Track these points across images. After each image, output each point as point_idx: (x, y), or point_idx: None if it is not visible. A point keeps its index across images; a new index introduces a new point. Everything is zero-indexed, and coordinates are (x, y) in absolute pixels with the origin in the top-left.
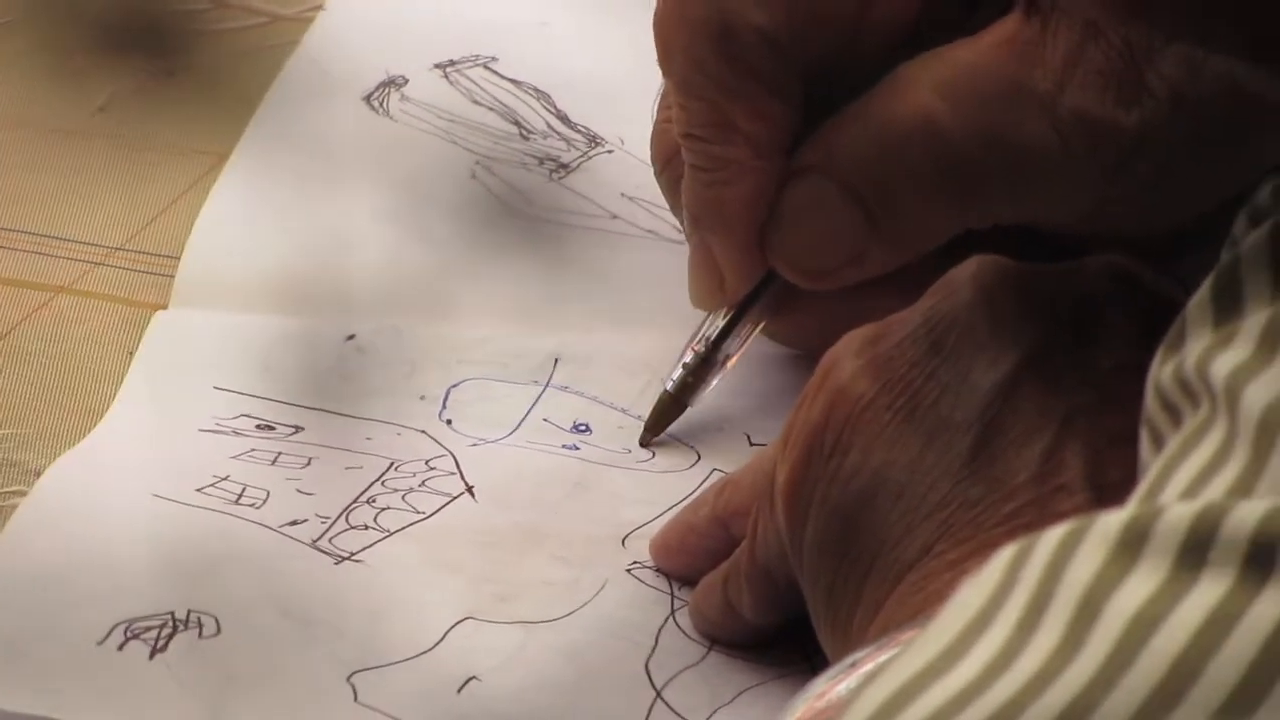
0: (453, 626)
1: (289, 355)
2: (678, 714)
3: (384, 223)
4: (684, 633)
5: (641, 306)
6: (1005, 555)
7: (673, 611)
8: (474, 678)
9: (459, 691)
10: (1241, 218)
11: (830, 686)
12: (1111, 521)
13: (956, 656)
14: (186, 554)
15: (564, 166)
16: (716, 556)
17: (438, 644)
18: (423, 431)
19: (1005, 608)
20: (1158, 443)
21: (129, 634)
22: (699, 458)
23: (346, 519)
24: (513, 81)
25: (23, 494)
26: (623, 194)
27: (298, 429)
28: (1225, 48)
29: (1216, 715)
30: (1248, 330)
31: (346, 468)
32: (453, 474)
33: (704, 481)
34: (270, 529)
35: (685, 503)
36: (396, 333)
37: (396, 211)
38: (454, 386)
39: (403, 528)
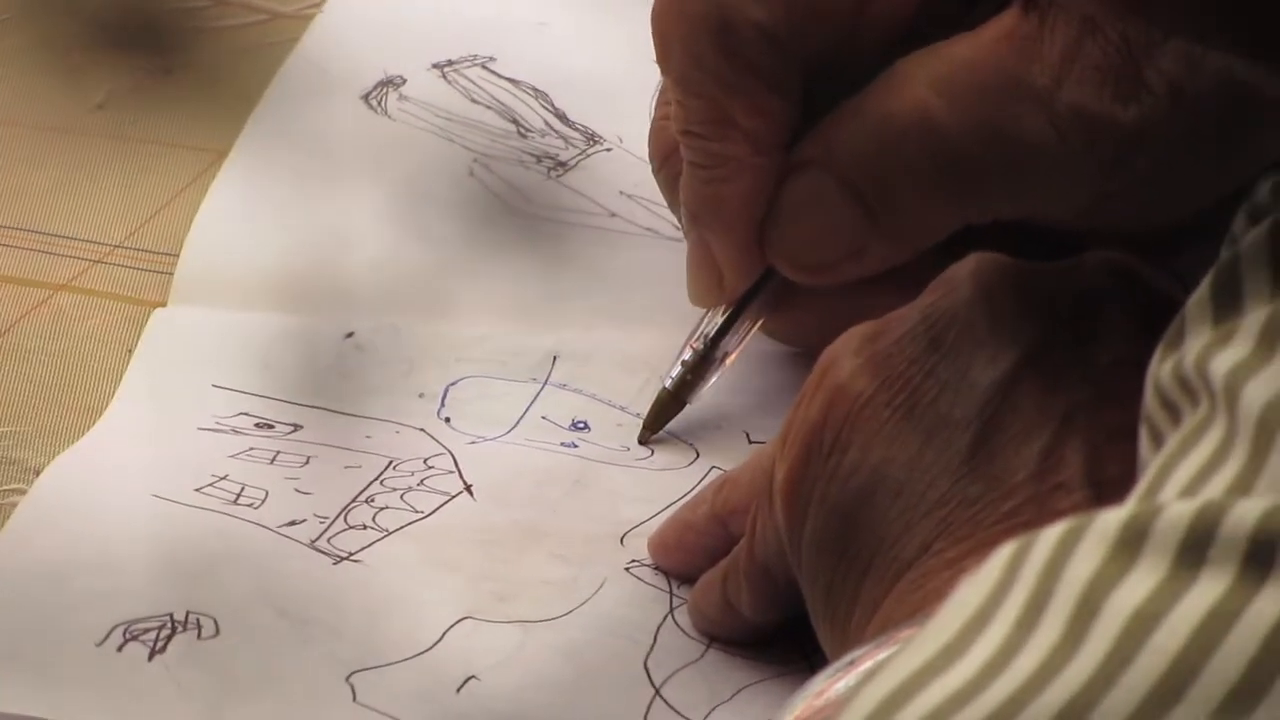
0: (451, 626)
1: (288, 353)
2: (677, 712)
3: (382, 221)
4: (683, 631)
5: (640, 304)
6: (1004, 553)
7: (671, 609)
8: (473, 677)
9: (458, 691)
10: (1241, 215)
11: (829, 684)
12: (1111, 519)
13: (955, 655)
14: (185, 555)
15: (562, 164)
16: (715, 554)
17: (436, 643)
18: (421, 429)
19: (1004, 606)
20: (1157, 440)
21: (128, 635)
22: (698, 455)
23: (345, 519)
24: (511, 80)
25: (22, 492)
26: (621, 192)
27: (296, 427)
28: (1223, 44)
29: (1216, 713)
30: (1247, 328)
31: (345, 467)
32: (451, 472)
33: (703, 479)
34: (269, 529)
35: (684, 500)
36: (395, 330)
37: (395, 209)
38: (452, 384)
39: (401, 527)
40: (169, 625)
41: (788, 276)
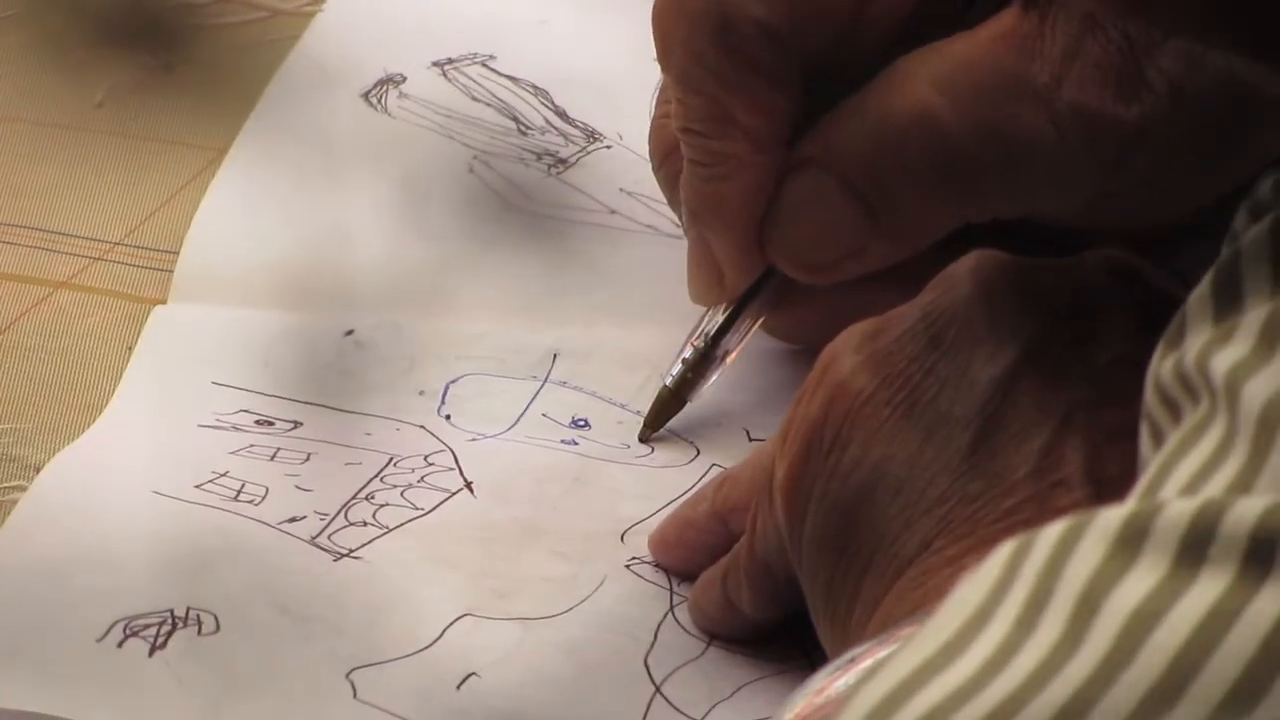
0: (452, 623)
1: (288, 350)
2: (677, 709)
3: (383, 218)
4: (683, 628)
5: (640, 301)
6: (1004, 551)
7: (671, 607)
8: (473, 674)
9: (458, 688)
10: (1242, 212)
11: (829, 682)
12: (1111, 517)
13: (956, 652)
14: (185, 551)
15: (562, 161)
16: (715, 552)
17: (437, 640)
18: (421, 427)
19: (1004, 604)
20: (1157, 438)
21: (128, 631)
22: (698, 453)
23: (345, 515)
24: (511, 78)
25: (22, 489)
26: (621, 189)
27: (296, 424)
28: (1224, 43)
29: (1216, 711)
30: (1248, 326)
31: (345, 463)
32: (451, 470)
33: (703, 477)
34: (269, 526)
35: (684, 498)
36: (395, 328)
37: (395, 207)
38: (453, 382)
39: (401, 524)
40: (169, 621)
41: (788, 275)
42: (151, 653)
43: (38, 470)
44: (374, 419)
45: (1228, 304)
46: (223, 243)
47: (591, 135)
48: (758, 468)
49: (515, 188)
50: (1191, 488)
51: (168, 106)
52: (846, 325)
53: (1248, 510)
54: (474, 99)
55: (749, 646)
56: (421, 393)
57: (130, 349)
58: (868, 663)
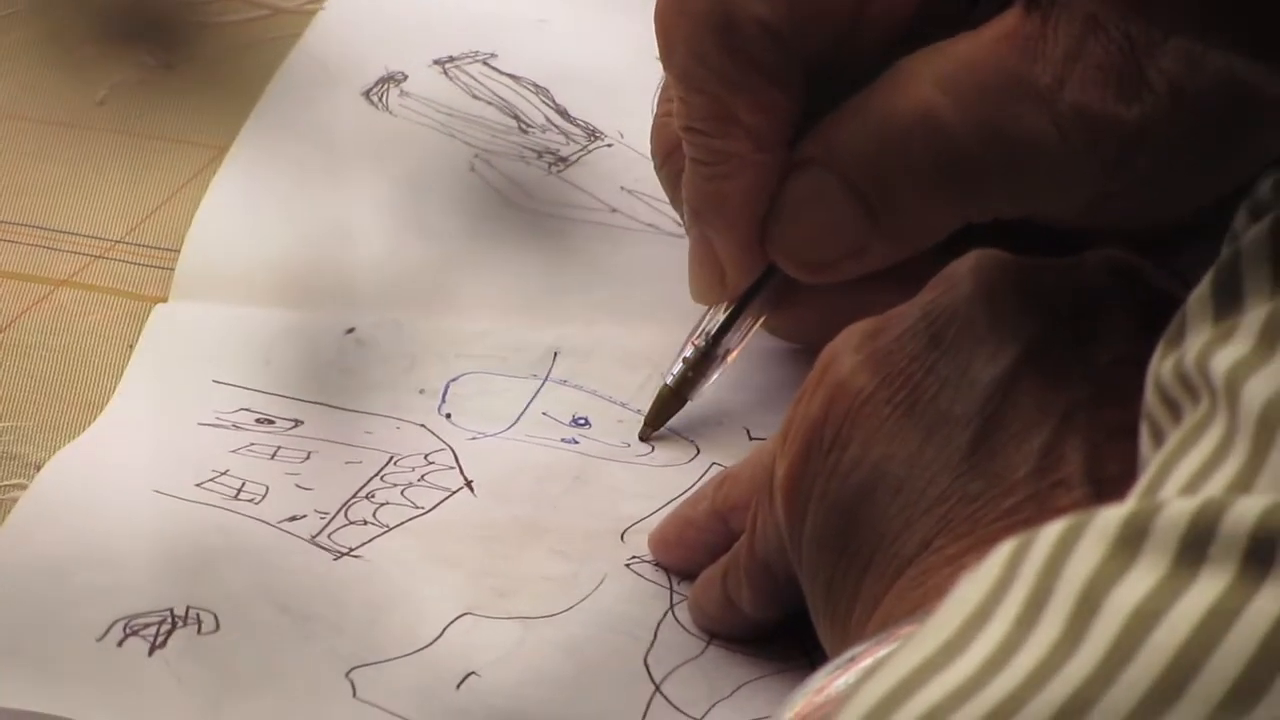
0: (452, 622)
1: (289, 348)
2: (676, 708)
3: (383, 216)
4: (683, 627)
5: (641, 300)
6: (1004, 550)
7: (671, 606)
8: (473, 673)
9: (458, 687)
10: (1242, 212)
11: (829, 681)
12: (1111, 517)
13: (956, 652)
14: (186, 550)
15: (563, 160)
16: (715, 551)
17: (436, 639)
18: (422, 425)
19: (1004, 603)
20: (1157, 437)
21: (128, 630)
22: (698, 452)
23: (345, 514)
24: (511, 76)
25: (23, 487)
26: (622, 187)
27: (297, 423)
28: (1224, 43)
29: (1216, 710)
30: (1248, 325)
31: (346, 462)
32: (452, 468)
33: (703, 476)
34: (269, 525)
35: (684, 497)
36: (396, 326)
37: (396, 205)
38: (453, 380)
39: (401, 523)
40: (169, 620)
41: (789, 274)
42: (151, 652)
43: (38, 468)
44: (374, 417)
45: (1228, 304)
46: (224, 241)
47: (592, 134)
48: (758, 466)
49: (516, 186)
50: (1191, 487)
51: (169, 104)
52: (847, 325)
53: (1248, 510)
54: (475, 97)
55: (749, 645)
56: (422, 391)
57: (131, 347)
58: (868, 662)
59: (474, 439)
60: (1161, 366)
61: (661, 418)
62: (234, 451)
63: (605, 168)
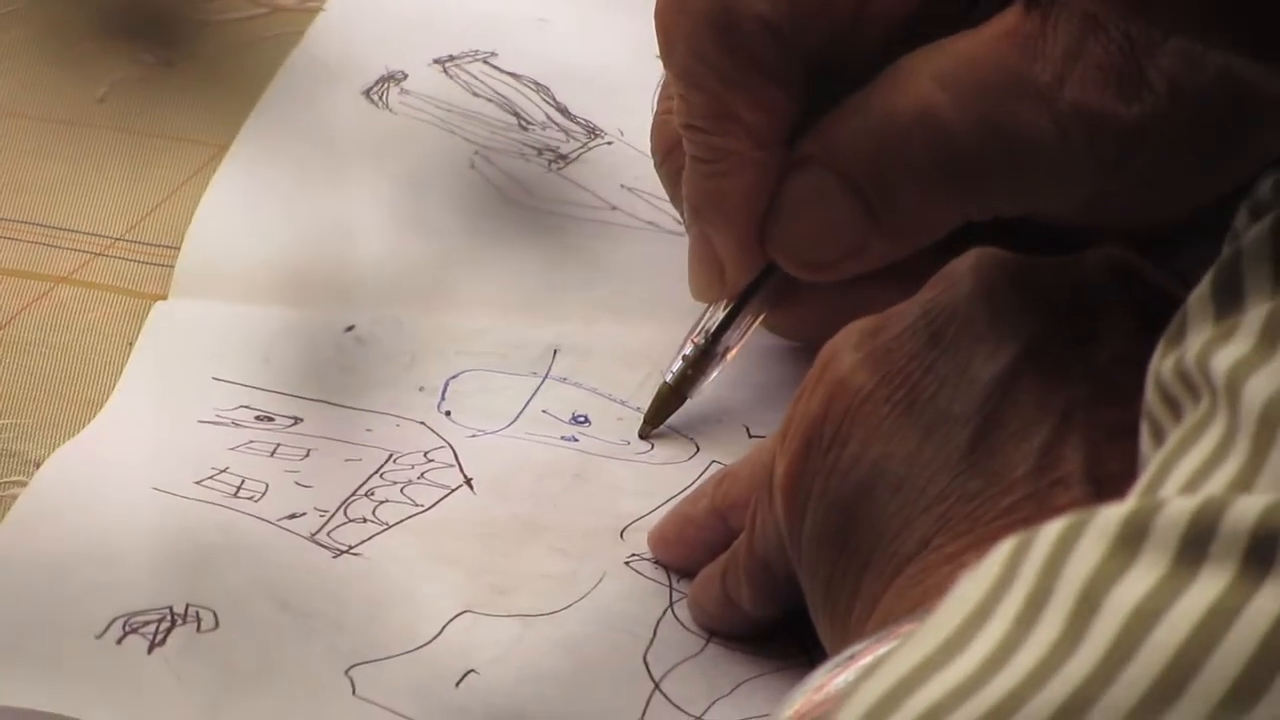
0: (451, 619)
1: (288, 346)
2: (676, 706)
3: (383, 214)
4: (682, 625)
5: (641, 298)
6: (1004, 549)
7: (671, 604)
8: (472, 671)
9: (457, 685)
10: (1243, 211)
11: (828, 679)
12: (1111, 515)
13: (955, 650)
14: (185, 547)
15: (563, 157)
16: (715, 548)
17: (436, 637)
18: (422, 423)
19: (1004, 601)
20: (1158, 436)
21: (127, 628)
22: (698, 449)
23: (345, 512)
24: (512, 75)
25: (22, 485)
26: (622, 185)
27: (297, 420)
28: (1224, 42)
29: (1216, 709)
30: (1248, 324)
31: (345, 460)
32: (451, 466)
33: (703, 473)
34: (269, 522)
35: (684, 495)
36: (396, 324)
37: (396, 203)
38: (453, 378)
39: (401, 520)
40: (169, 618)
41: (789, 272)
42: (151, 649)
43: (38, 466)
44: (374, 415)
45: (1228, 303)
46: (224, 238)
47: (592, 131)
48: (757, 464)
49: (516, 183)
50: (1192, 486)
51: (170, 102)
52: (847, 323)
53: (1248, 508)
54: (475, 95)
55: (748, 643)
56: (422, 389)
57: (131, 344)
58: (867, 660)
59: (474, 436)
60: (1162, 365)
61: (661, 416)
62: (233, 449)
63: (605, 165)
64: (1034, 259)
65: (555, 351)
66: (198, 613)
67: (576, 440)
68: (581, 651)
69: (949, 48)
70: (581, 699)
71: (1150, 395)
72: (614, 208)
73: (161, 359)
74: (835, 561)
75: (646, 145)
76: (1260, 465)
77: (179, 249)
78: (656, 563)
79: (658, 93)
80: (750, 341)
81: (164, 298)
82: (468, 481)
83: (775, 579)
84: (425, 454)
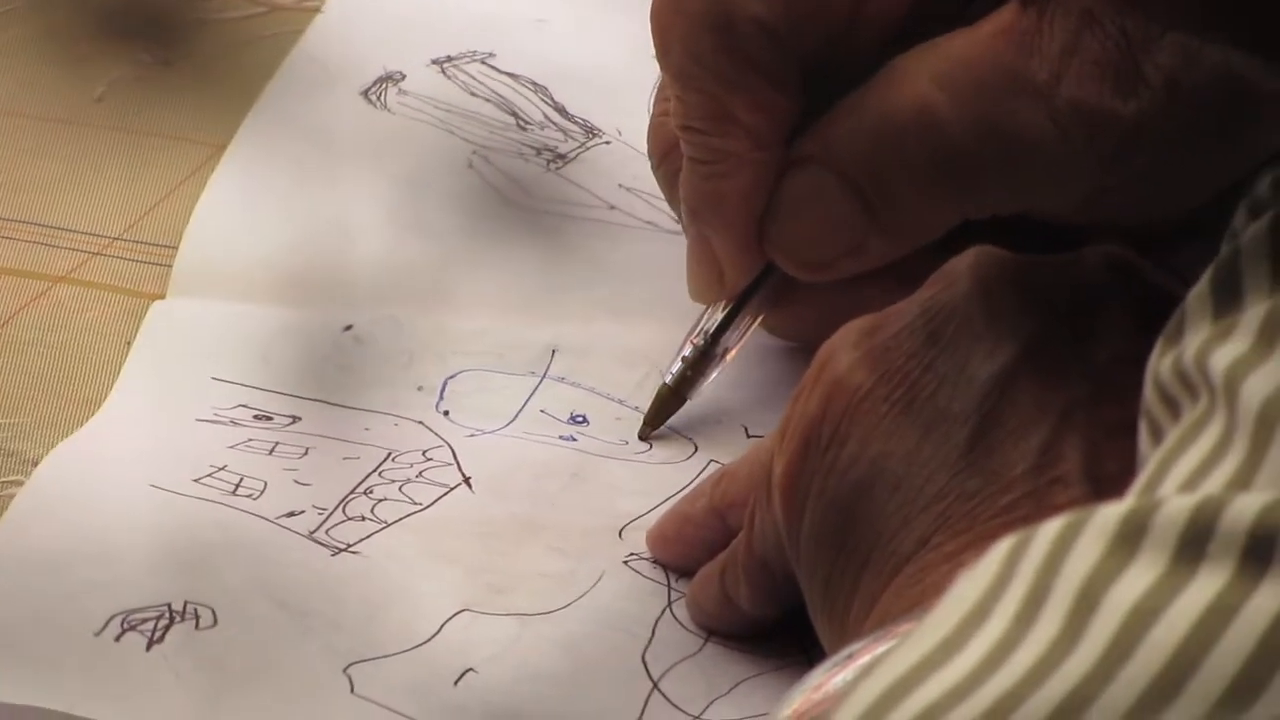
0: (449, 618)
1: (287, 346)
2: (674, 705)
3: (382, 213)
4: (681, 624)
5: (639, 298)
6: (1003, 548)
7: (669, 603)
8: (470, 669)
9: (455, 683)
10: (1241, 210)
11: (827, 678)
12: (1110, 514)
13: (954, 649)
14: (184, 545)
15: (561, 157)
16: (713, 548)
17: (434, 636)
18: (420, 422)
19: (1003, 600)
20: (1156, 435)
21: (126, 625)
22: (696, 449)
23: (344, 510)
24: (510, 75)
25: (20, 483)
26: (620, 185)
27: (295, 419)
28: (1221, 38)
29: (1215, 707)
30: (1247, 323)
31: (344, 458)
32: (450, 465)
33: (701, 473)
34: (267, 520)
35: (682, 494)
36: (394, 323)
37: (394, 202)
38: (451, 377)
39: (400, 519)
40: (167, 615)
41: (787, 272)
42: (149, 647)
43: (36, 464)
44: (372, 414)
45: (1227, 301)
46: (222, 238)
47: (590, 131)
48: (756, 464)
49: (514, 183)
50: (1190, 484)
51: (168, 101)
52: (845, 323)
53: (1246, 507)
54: (473, 95)
55: (747, 643)
56: (420, 388)
57: (129, 344)
58: (865, 659)
59: (472, 436)
60: (1160, 364)
61: (661, 417)
62: (232, 447)
63: (604, 165)
64: (1032, 258)
65: (554, 351)
66: (196, 610)
67: (575, 440)
68: (580, 650)
69: (945, 46)
70: (580, 698)
71: (1148, 394)
72: (612, 207)
73: (159, 358)
74: (834, 561)
75: (644, 145)
76: (1258, 464)
77: (177, 248)
78: (655, 562)
79: (654, 94)
80: (749, 342)
81: (162, 297)
82: (466, 480)
83: (774, 578)
84: (424, 453)
